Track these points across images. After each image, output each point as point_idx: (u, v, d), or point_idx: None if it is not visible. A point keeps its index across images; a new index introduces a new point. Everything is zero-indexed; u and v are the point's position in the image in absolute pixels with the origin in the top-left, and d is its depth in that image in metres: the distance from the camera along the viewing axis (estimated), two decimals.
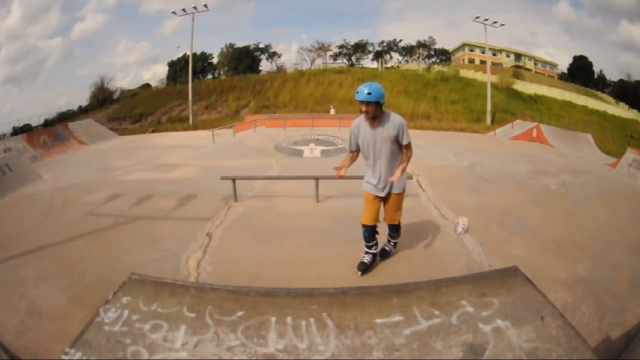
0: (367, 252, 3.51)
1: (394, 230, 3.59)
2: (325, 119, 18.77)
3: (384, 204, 3.32)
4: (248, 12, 43.24)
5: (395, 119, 3.04)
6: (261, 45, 35.69)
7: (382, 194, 3.24)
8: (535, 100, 29.25)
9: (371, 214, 3.28)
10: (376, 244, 3.51)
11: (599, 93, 33.34)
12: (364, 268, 3.47)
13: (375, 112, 2.97)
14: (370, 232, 3.40)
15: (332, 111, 23.74)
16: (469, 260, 3.75)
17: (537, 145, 14.27)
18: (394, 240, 3.73)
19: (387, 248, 3.74)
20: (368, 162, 3.23)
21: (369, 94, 2.87)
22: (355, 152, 3.30)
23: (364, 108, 2.95)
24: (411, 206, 5.56)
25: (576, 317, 2.75)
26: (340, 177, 3.25)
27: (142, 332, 2.08)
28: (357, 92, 2.92)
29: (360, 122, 3.14)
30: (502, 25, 24.16)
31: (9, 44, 31.92)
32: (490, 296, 2.21)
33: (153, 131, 22.21)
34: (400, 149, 3.13)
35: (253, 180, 6.70)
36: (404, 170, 3.14)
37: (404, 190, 3.31)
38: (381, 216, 3.41)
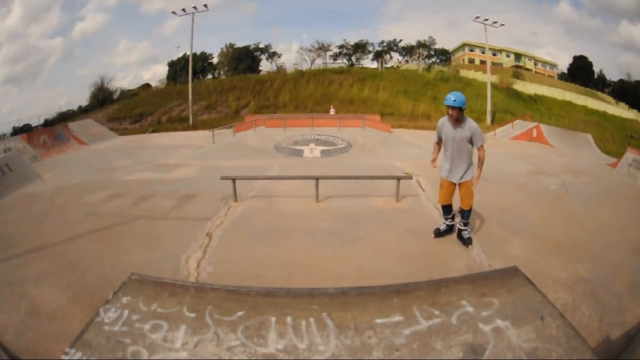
0: (443, 222, 4.32)
1: (468, 212, 4.08)
2: (325, 119, 18.75)
3: (460, 192, 4.02)
4: (248, 12, 43.13)
5: (471, 124, 3.83)
6: (261, 45, 35.61)
7: (455, 180, 3.99)
8: (535, 100, 29.22)
9: (445, 196, 4.11)
10: (452, 217, 4.27)
11: (599, 93, 33.28)
12: (438, 233, 4.29)
13: (458, 115, 3.78)
14: (445, 209, 4.23)
15: (332, 111, 23.73)
16: (469, 260, 3.76)
17: (537, 145, 14.27)
18: (466, 227, 4.12)
19: (466, 233, 4.11)
20: (446, 154, 4.03)
21: (454, 100, 3.70)
22: (440, 142, 4.12)
23: (450, 111, 3.79)
24: (411, 206, 5.57)
25: (576, 317, 2.75)
26: (435, 166, 4.28)
27: (142, 332, 2.08)
28: (446, 99, 3.75)
29: (445, 121, 3.96)
30: (502, 25, 24.15)
31: (9, 43, 31.85)
32: (490, 296, 2.21)
33: (153, 131, 22.21)
34: (471, 147, 3.91)
35: (253, 180, 6.70)
36: (480, 169, 3.93)
37: (472, 178, 3.98)
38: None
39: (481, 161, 3.91)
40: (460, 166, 3.94)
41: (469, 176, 3.96)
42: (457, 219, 4.21)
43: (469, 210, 4.06)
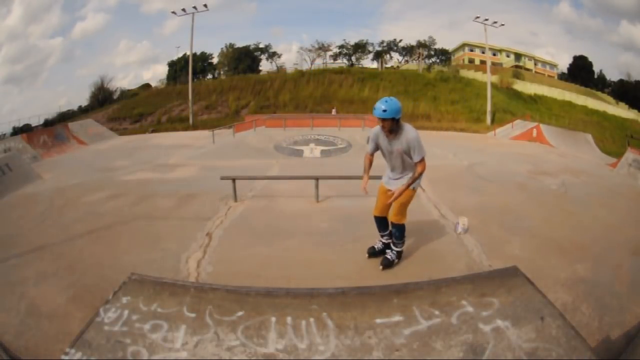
0: (379, 240, 3.78)
1: (396, 231, 3.48)
2: (325, 119, 18.77)
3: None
4: (248, 12, 43.20)
5: (409, 135, 3.15)
6: (261, 45, 35.65)
7: (394, 188, 3.36)
8: (535, 100, 29.22)
9: (379, 206, 3.51)
10: (387, 234, 3.67)
11: (599, 93, 33.28)
12: (372, 252, 3.76)
13: (392, 126, 3.13)
14: (380, 223, 3.63)
15: (334, 112, 23.80)
16: (469, 260, 3.75)
17: (537, 145, 14.27)
18: (396, 249, 3.57)
19: (389, 257, 3.58)
20: (387, 164, 3.45)
21: (384, 111, 3.04)
22: (373, 154, 3.46)
23: (380, 123, 3.14)
24: (411, 206, 5.55)
25: (576, 317, 2.75)
26: (367, 192, 3.47)
27: (142, 332, 2.08)
28: (375, 109, 3.08)
29: (379, 131, 3.29)
30: (502, 25, 24.16)
31: (9, 43, 31.90)
32: (490, 296, 2.21)
33: (153, 131, 22.20)
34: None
35: (253, 180, 6.70)
36: (408, 185, 3.25)
37: (414, 189, 3.37)
38: None
39: (415, 177, 3.24)
40: (404, 177, 3.33)
41: (412, 187, 3.34)
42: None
43: (398, 228, 3.44)
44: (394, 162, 3.33)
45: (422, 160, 3.20)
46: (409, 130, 3.18)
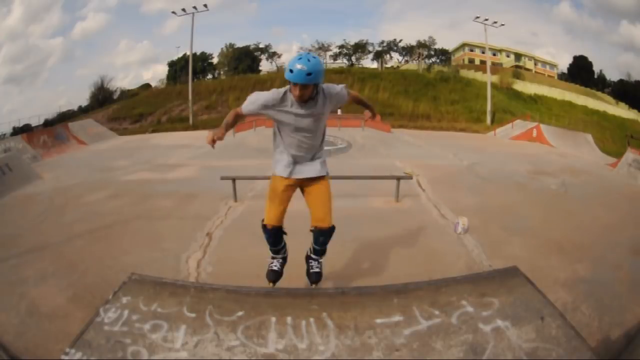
0: (275, 260, 2.84)
1: (327, 238, 2.67)
2: None
3: (311, 198, 2.63)
4: (248, 12, 43.19)
5: (328, 91, 2.35)
6: (261, 45, 35.63)
7: (303, 175, 2.52)
8: (535, 100, 29.23)
9: (278, 210, 2.57)
10: (284, 247, 2.85)
11: (599, 93, 33.27)
12: (275, 277, 2.80)
13: (312, 92, 2.25)
14: (276, 236, 2.70)
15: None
16: (469, 260, 3.75)
17: (537, 145, 14.28)
18: (318, 257, 2.80)
19: (317, 269, 2.82)
20: (285, 144, 2.48)
21: (308, 74, 2.09)
22: (246, 117, 2.55)
23: (297, 91, 2.18)
24: (411, 206, 5.57)
25: (576, 317, 2.75)
26: (213, 144, 2.50)
27: (142, 332, 2.08)
28: (291, 70, 2.09)
29: (278, 97, 2.32)
30: (502, 25, 24.26)
31: (9, 43, 31.89)
32: (490, 296, 2.21)
33: (153, 131, 22.21)
34: (325, 125, 2.50)
35: (253, 180, 6.70)
36: (373, 111, 2.67)
37: (328, 174, 2.56)
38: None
39: (364, 100, 2.66)
40: (313, 156, 2.51)
41: (325, 170, 2.57)
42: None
43: (330, 233, 2.63)
44: (306, 137, 2.39)
45: (348, 90, 2.45)
46: (327, 86, 2.34)
